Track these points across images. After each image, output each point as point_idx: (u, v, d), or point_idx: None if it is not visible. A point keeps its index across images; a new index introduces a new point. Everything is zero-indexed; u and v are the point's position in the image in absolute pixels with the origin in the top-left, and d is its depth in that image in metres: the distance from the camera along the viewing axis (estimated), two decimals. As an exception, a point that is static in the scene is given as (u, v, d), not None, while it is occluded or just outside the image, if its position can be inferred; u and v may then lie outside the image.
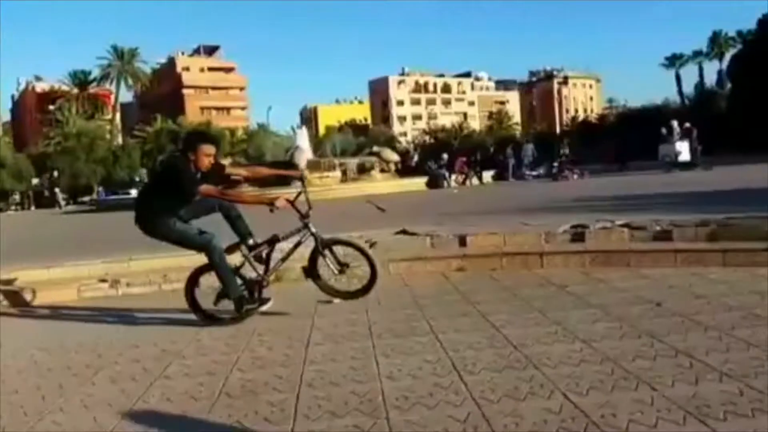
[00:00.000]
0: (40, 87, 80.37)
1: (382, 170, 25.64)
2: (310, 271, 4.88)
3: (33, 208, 43.45)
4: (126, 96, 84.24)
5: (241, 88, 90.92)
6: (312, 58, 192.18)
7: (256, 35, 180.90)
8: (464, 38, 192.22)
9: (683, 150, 20.86)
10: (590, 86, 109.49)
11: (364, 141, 58.42)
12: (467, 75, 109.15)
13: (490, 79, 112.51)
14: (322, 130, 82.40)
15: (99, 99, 73.63)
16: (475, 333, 3.85)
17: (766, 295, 4.22)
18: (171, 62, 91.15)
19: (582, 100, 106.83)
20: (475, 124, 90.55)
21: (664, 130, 22.02)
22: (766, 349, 3.13)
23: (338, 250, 4.82)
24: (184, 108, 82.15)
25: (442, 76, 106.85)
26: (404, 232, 7.02)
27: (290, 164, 22.45)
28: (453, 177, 23.03)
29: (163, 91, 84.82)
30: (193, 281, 4.68)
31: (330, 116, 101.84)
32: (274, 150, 37.40)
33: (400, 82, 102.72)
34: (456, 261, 6.03)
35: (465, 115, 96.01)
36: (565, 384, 2.85)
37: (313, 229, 4.70)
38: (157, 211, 4.50)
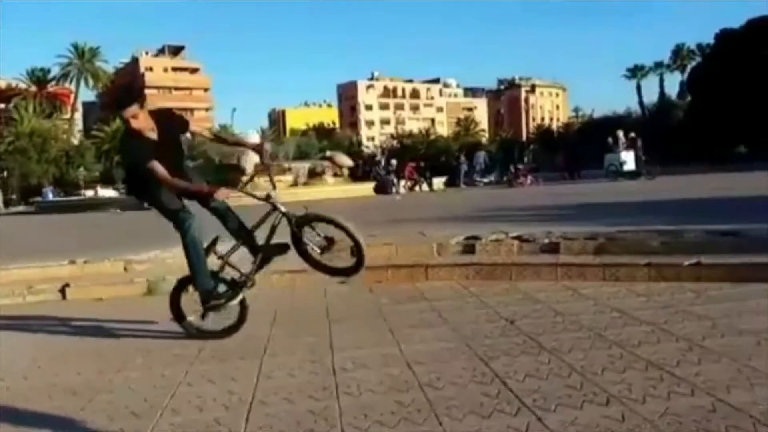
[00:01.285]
0: (-3, 84, 77.97)
1: (335, 174, 25.32)
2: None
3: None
4: (89, 95, 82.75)
5: (206, 89, 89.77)
6: (282, 61, 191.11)
7: (224, 36, 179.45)
8: (434, 45, 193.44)
9: (628, 159, 21.04)
10: (557, 95, 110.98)
11: (327, 145, 58.05)
12: (436, 81, 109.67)
13: (458, 86, 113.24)
14: (289, 133, 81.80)
15: (58, 98, 71.79)
16: (298, 357, 3.55)
17: (625, 313, 4.02)
18: (134, 62, 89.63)
19: (549, 108, 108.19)
20: (443, 130, 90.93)
21: (610, 140, 22.24)
22: (584, 378, 2.89)
23: (319, 227, 4.19)
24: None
25: (411, 81, 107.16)
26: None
27: (237, 167, 22.04)
28: (402, 183, 22.82)
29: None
30: (181, 286, 4.22)
31: (298, 119, 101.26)
32: (232, 153, 36.59)
33: (369, 87, 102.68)
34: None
35: (433, 120, 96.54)
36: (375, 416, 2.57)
37: (283, 209, 4.07)
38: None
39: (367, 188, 21.92)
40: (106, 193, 39.97)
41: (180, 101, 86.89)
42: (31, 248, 9.30)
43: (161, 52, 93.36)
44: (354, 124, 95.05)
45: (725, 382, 2.71)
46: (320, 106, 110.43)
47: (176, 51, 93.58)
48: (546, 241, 5.79)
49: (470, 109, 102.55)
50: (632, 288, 4.74)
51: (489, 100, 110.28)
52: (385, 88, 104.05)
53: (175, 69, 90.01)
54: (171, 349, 3.87)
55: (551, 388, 2.79)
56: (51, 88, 71.81)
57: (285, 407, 2.76)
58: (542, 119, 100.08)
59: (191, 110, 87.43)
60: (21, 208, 33.20)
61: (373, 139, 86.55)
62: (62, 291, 5.60)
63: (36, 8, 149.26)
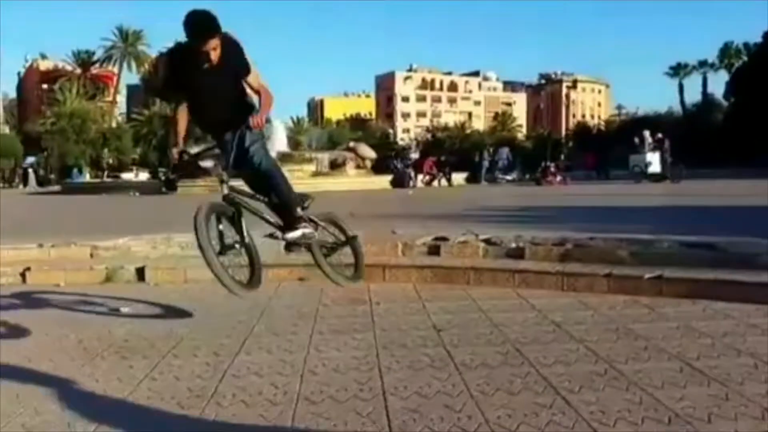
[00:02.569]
0: (44, 65, 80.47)
1: (358, 166, 25.26)
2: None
3: (22, 185, 43.42)
4: (134, 78, 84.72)
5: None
6: (323, 51, 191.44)
7: (265, 24, 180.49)
8: (475, 37, 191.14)
9: (654, 161, 20.32)
10: (599, 91, 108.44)
11: (360, 135, 57.99)
12: (476, 74, 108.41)
13: (498, 79, 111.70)
14: (325, 123, 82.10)
15: (102, 80, 73.66)
16: (195, 360, 3.44)
17: (561, 328, 3.80)
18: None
19: (590, 105, 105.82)
20: (480, 123, 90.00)
21: (636, 140, 21.52)
22: (472, 399, 2.70)
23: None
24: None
25: (450, 74, 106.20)
26: (270, 236, 6.61)
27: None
28: (420, 177, 22.56)
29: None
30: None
31: (336, 109, 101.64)
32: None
33: (406, 78, 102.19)
34: (299, 270, 5.59)
35: (470, 114, 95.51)
36: None
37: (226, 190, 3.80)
38: None
39: (383, 181, 21.75)
40: (143, 176, 40.85)
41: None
42: (26, 228, 9.47)
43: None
44: (390, 116, 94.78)
45: (622, 408, 2.49)
46: (359, 96, 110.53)
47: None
48: (513, 245, 5.56)
49: (509, 104, 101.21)
50: (586, 300, 4.50)
51: (529, 95, 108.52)
52: (423, 80, 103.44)
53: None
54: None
55: (430, 407, 2.61)
56: (95, 70, 73.73)
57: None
58: (583, 116, 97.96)
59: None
60: (55, 187, 34.13)
61: (408, 131, 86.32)
62: (23, 275, 5.63)
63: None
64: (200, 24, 3.41)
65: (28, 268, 5.63)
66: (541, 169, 24.38)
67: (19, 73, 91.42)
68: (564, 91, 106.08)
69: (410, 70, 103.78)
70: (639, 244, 5.27)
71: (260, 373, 3.09)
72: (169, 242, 6.28)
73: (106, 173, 40.54)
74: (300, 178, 21.39)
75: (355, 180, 21.60)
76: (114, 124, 55.75)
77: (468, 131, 72.21)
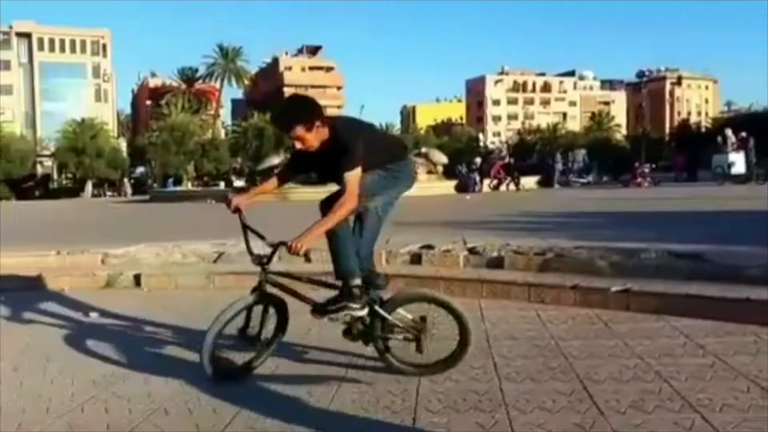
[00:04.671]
0: (153, 82, 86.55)
1: (429, 172, 25.08)
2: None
3: (129, 194, 46.94)
4: (237, 92, 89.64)
5: (339, 87, 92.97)
6: (413, 57, 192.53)
7: (358, 35, 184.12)
8: (569, 37, 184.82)
9: (737, 161, 18.70)
10: (706, 87, 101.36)
11: (445, 141, 57.81)
12: (571, 74, 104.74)
13: (595, 78, 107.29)
14: (413, 130, 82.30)
15: (205, 95, 78.15)
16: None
17: (489, 335, 3.65)
18: (275, 62, 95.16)
19: (696, 102, 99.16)
20: (575, 124, 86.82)
21: (719, 139, 19.89)
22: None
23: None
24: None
25: (543, 74, 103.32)
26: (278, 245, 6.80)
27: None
28: (487, 182, 22.05)
29: (268, 89, 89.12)
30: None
31: (427, 115, 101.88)
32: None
33: (497, 81, 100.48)
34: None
35: (564, 115, 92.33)
36: None
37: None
38: None
39: (449, 186, 21.50)
40: (238, 183, 42.82)
41: (315, 98, 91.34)
42: (70, 234, 10.25)
43: (300, 52, 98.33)
44: (480, 119, 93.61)
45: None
46: (450, 101, 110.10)
47: (314, 51, 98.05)
48: (494, 254, 5.39)
49: (606, 103, 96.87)
50: (547, 312, 4.28)
51: (629, 93, 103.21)
52: (515, 82, 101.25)
53: (311, 68, 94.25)
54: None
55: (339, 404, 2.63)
56: (198, 85, 78.41)
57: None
58: (688, 114, 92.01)
59: (325, 108, 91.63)
60: (145, 196, 36.45)
61: (498, 134, 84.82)
62: (33, 280, 6.10)
63: (186, 8, 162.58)
64: (283, 113, 3.21)
65: (40, 275, 6.10)
66: (631, 170, 23.27)
67: (133, 90, 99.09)
68: (668, 87, 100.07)
69: (501, 72, 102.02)
70: (624, 254, 4.94)
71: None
72: (178, 249, 6.59)
73: (204, 182, 42.80)
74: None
75: (420, 185, 21.47)
76: (214, 136, 58.93)
77: (562, 132, 69.86)
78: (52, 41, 75.32)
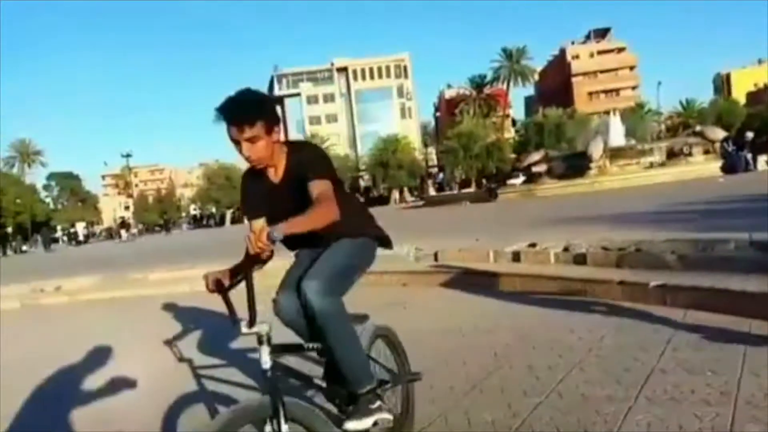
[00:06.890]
0: (449, 93, 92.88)
1: (706, 152, 22.66)
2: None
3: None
4: (530, 90, 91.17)
5: (632, 68, 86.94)
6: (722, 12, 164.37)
7: (648, 7, 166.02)
8: None
9: None
10: None
11: (758, 110, 49.35)
12: None
13: None
14: (741, 99, 71.57)
15: (493, 98, 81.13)
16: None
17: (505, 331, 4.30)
18: (562, 53, 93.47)
19: None
20: None
21: None
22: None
23: None
24: (573, 96, 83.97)
25: None
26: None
27: (584, 155, 22.37)
28: (762, 159, 18.84)
29: (556, 82, 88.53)
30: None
31: (745, 81, 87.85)
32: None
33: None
34: (405, 276, 6.75)
35: None
36: None
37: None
38: None
39: (712, 168, 19.17)
40: (516, 181, 44.11)
41: (605, 83, 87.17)
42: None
43: (587, 38, 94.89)
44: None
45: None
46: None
47: (603, 34, 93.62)
48: (581, 251, 5.71)
49: None
50: (586, 308, 4.57)
51: None
52: None
53: (600, 53, 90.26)
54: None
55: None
56: (487, 90, 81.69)
57: None
58: None
59: (616, 91, 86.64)
60: (420, 202, 39.22)
61: None
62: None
63: (473, 19, 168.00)
64: (244, 102, 2.28)
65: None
66: None
67: (434, 104, 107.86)
68: None
69: None
70: (695, 247, 4.86)
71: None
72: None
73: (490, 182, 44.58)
74: (623, 174, 20.83)
75: (683, 169, 19.62)
76: (498, 137, 60.92)
77: None
78: (363, 71, 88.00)
